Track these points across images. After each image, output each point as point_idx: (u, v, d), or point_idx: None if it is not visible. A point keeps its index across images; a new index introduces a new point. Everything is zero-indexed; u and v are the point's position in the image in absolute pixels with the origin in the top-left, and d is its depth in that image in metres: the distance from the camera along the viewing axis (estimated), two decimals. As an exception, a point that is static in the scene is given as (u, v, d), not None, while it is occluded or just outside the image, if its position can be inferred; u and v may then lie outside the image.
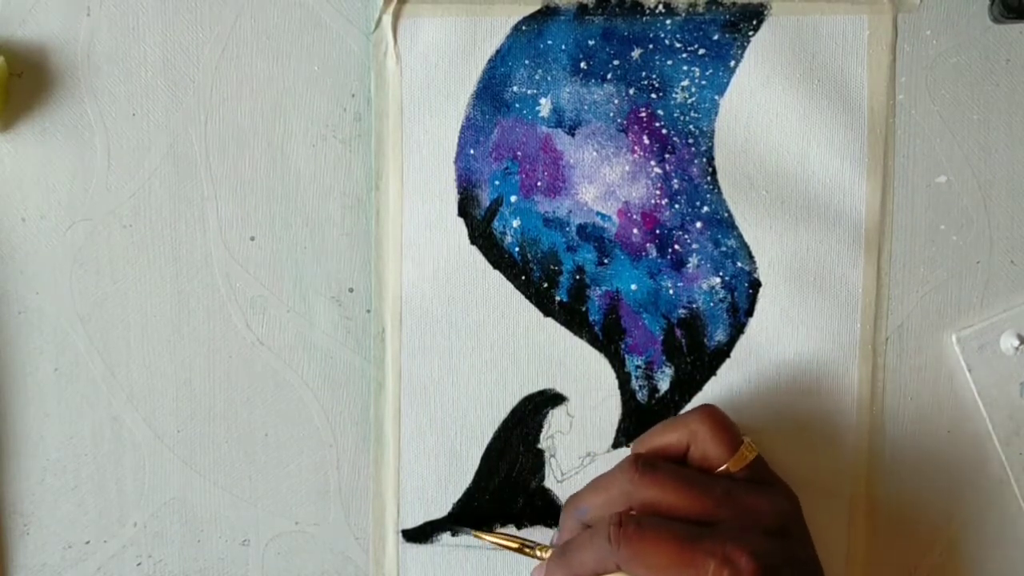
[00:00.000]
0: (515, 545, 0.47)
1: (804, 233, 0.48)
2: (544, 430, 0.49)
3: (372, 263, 0.49)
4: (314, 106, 0.48)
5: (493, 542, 0.48)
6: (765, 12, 0.47)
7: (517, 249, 0.48)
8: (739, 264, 0.48)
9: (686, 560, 0.39)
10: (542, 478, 0.49)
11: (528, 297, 0.49)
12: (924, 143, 0.48)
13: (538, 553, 0.46)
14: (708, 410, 0.44)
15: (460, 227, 0.48)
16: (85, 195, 0.48)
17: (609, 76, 0.48)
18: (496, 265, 0.49)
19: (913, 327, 0.49)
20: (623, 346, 0.49)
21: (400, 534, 0.50)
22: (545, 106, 0.48)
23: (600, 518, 0.42)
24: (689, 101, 0.48)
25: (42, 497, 0.50)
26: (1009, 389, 0.49)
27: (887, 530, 0.49)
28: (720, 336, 0.49)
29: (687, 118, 0.48)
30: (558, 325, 0.49)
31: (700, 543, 0.39)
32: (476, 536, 0.49)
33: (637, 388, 0.49)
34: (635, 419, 0.49)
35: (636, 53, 0.48)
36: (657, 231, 0.48)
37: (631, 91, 0.48)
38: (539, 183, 0.48)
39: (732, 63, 0.48)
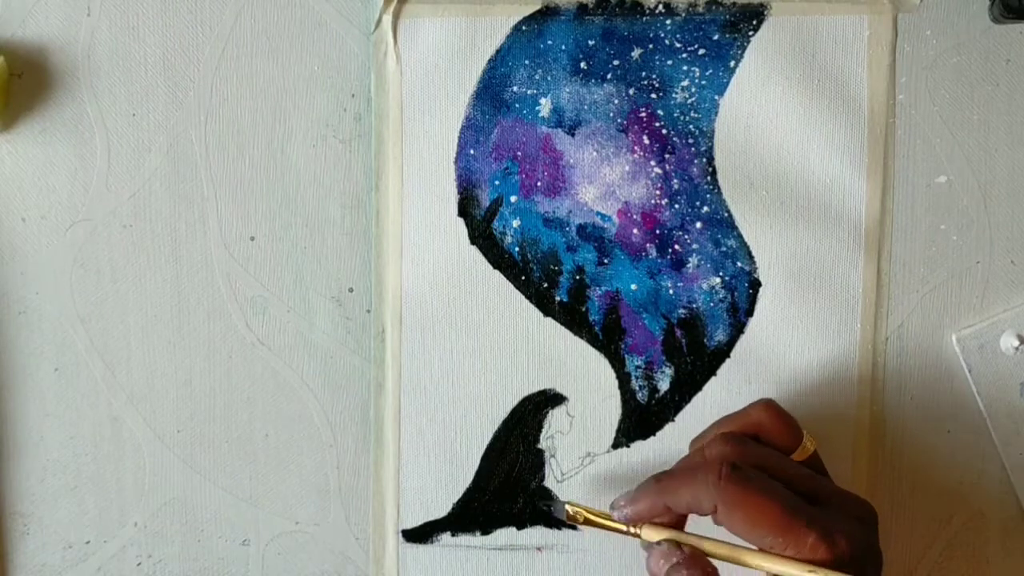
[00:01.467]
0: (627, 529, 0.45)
1: (804, 233, 0.48)
2: (544, 430, 0.49)
3: (372, 263, 0.49)
4: (314, 106, 0.48)
5: (611, 528, 0.46)
6: (765, 12, 0.47)
7: (517, 249, 0.48)
8: (739, 264, 0.48)
9: (786, 524, 0.39)
10: (542, 478, 0.49)
11: (528, 297, 0.49)
12: (924, 143, 0.48)
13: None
14: (770, 402, 0.44)
15: (460, 227, 0.48)
16: (85, 195, 0.48)
17: (609, 76, 0.48)
18: (496, 265, 0.49)
19: (913, 327, 0.49)
20: (623, 346, 0.49)
21: (400, 534, 0.50)
22: (545, 106, 0.48)
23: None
24: (689, 101, 0.48)
25: (42, 497, 0.49)
26: (1009, 389, 0.49)
27: (887, 530, 0.49)
28: (720, 336, 0.49)
29: (687, 118, 0.48)
30: (558, 325, 0.49)
31: (803, 513, 0.39)
32: (592, 520, 0.48)
33: (637, 388, 0.49)
34: (635, 419, 0.49)
35: (636, 53, 0.48)
36: (657, 231, 0.48)
37: (631, 91, 0.48)
38: (539, 183, 0.48)
39: (732, 63, 0.48)
